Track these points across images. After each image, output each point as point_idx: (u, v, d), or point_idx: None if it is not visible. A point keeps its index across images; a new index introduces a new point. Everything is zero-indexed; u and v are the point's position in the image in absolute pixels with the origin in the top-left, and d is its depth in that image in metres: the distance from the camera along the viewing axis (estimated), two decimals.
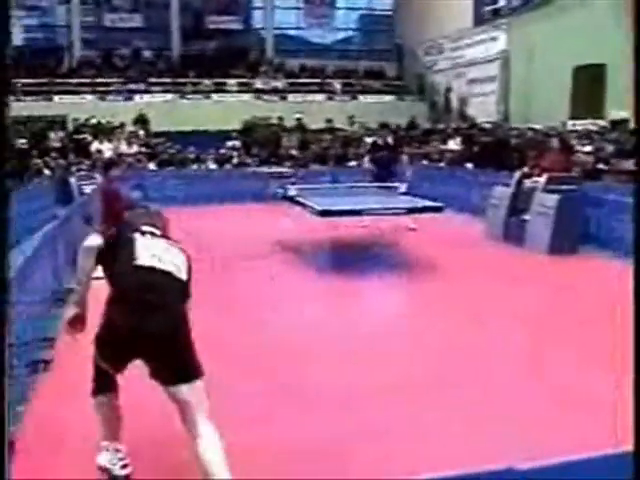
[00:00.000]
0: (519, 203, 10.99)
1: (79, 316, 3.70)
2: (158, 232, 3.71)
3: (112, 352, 3.46)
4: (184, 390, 3.35)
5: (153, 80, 26.09)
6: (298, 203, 9.86)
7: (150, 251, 3.52)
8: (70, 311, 3.79)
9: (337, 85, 27.67)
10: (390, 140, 13.64)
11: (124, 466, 3.60)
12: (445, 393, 4.81)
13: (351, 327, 6.51)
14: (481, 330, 6.31)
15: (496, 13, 23.15)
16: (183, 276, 3.55)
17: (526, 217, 10.61)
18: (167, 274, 3.48)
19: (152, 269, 3.46)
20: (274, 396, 4.72)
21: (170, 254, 3.58)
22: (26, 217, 12.93)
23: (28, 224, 12.63)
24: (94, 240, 3.58)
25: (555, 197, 10.07)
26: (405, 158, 14.47)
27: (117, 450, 3.63)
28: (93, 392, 3.65)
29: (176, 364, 3.38)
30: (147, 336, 3.33)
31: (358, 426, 4.26)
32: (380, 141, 13.33)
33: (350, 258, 9.57)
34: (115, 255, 3.52)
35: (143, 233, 3.63)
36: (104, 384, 3.62)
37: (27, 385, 4.87)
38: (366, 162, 12.88)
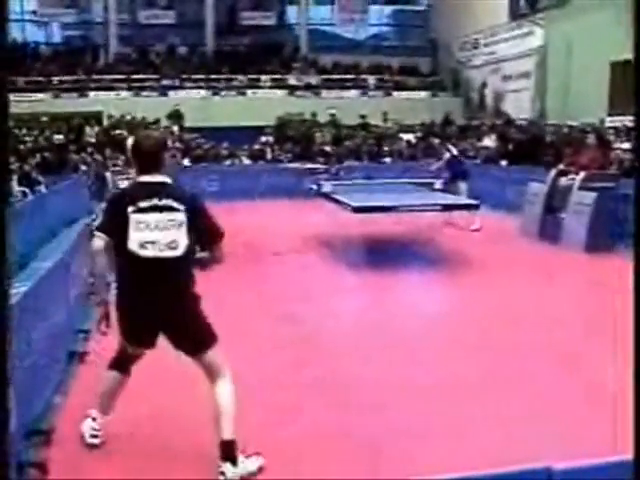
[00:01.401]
0: (555, 200, 10.86)
1: (104, 315, 3.83)
2: (151, 203, 3.61)
3: (129, 334, 3.80)
4: (203, 358, 3.72)
5: (187, 76, 26.24)
6: (332, 199, 9.85)
7: (141, 234, 3.57)
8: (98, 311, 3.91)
9: (371, 81, 27.55)
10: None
11: (94, 436, 3.94)
12: (481, 391, 4.77)
13: (387, 323, 6.48)
14: (518, 328, 6.24)
15: (532, 8, 22.85)
16: (177, 252, 3.59)
17: (562, 214, 10.48)
18: (156, 260, 3.58)
19: (140, 258, 3.57)
20: (307, 389, 4.72)
21: (162, 230, 3.59)
22: (63, 211, 13.12)
23: (65, 218, 12.82)
24: (97, 243, 3.68)
25: (592, 194, 9.93)
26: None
27: (94, 419, 3.96)
28: (110, 365, 3.98)
29: (190, 338, 3.69)
30: (153, 319, 3.67)
31: (392, 423, 4.24)
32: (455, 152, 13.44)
33: (386, 254, 9.54)
34: (116, 234, 3.63)
35: (139, 210, 3.61)
36: (121, 365, 3.95)
37: (63, 376, 4.94)
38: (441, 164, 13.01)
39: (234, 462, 3.57)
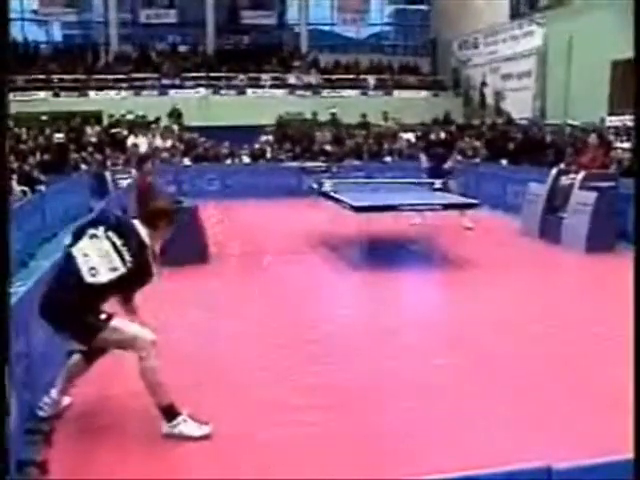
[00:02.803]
0: (556, 200, 10.84)
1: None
2: (116, 240, 4.01)
3: None
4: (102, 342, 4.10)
5: (188, 75, 26.24)
6: (332, 198, 9.84)
7: (85, 245, 4.02)
8: None
9: (371, 80, 27.54)
10: (443, 136, 13.55)
11: (41, 409, 4.22)
12: (484, 391, 4.77)
13: (389, 323, 6.48)
14: (519, 329, 6.23)
15: (533, 7, 22.85)
16: (90, 279, 3.92)
17: (563, 214, 10.47)
18: (76, 268, 3.95)
19: (72, 260, 4.00)
20: (308, 389, 4.72)
21: (99, 257, 3.96)
22: (63, 210, 13.12)
23: (65, 217, 12.82)
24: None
25: (593, 194, 9.91)
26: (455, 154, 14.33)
27: (50, 397, 4.27)
28: (82, 352, 4.30)
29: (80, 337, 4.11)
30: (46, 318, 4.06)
31: (392, 424, 4.24)
32: (434, 137, 13.25)
33: (386, 254, 9.52)
34: None
35: (104, 232, 4.05)
36: (90, 355, 4.30)
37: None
38: (422, 159, 12.78)
39: (170, 420, 3.98)
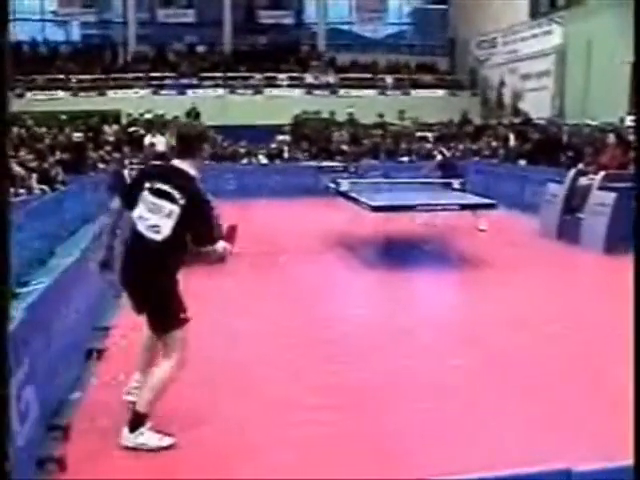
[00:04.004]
0: (574, 201, 10.77)
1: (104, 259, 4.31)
2: (159, 186, 3.92)
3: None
4: (163, 337, 4.01)
5: (205, 75, 26.30)
6: (350, 198, 9.84)
7: (140, 210, 3.94)
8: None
9: (389, 80, 27.45)
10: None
11: (130, 393, 4.28)
12: (500, 391, 4.75)
13: (402, 322, 6.47)
14: (537, 330, 6.19)
15: (553, 6, 22.68)
16: (157, 236, 3.87)
17: (581, 215, 10.39)
18: (142, 237, 3.90)
19: (135, 230, 3.95)
20: (317, 390, 4.73)
21: (153, 213, 3.89)
22: (82, 209, 13.22)
23: (84, 215, 12.92)
24: (113, 204, 4.21)
25: (612, 195, 9.84)
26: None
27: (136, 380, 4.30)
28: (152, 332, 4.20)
29: (155, 317, 4.00)
30: (131, 288, 4.04)
31: (410, 423, 4.23)
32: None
33: (404, 254, 9.50)
34: (130, 203, 4.04)
35: (148, 188, 3.95)
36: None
37: (82, 373, 4.97)
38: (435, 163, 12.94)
39: (133, 430, 3.86)
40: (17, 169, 13.43)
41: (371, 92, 26.81)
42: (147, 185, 3.94)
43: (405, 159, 19.84)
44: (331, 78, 27.19)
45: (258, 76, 26.45)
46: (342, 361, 5.26)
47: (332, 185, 11.20)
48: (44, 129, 19.29)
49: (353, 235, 10.27)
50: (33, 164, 14.57)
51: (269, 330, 6.12)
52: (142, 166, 5.46)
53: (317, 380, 4.90)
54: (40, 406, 3.68)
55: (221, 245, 4.04)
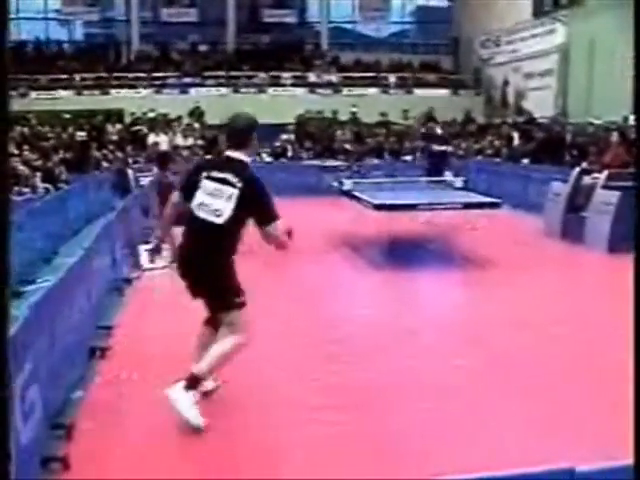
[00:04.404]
0: (578, 200, 10.75)
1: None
2: (217, 174, 4.20)
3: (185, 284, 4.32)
4: (225, 317, 4.27)
5: (208, 74, 26.30)
6: (353, 197, 9.84)
7: (200, 197, 4.18)
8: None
9: (392, 79, 27.43)
10: (439, 131, 13.59)
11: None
12: (504, 391, 4.75)
13: (406, 323, 6.47)
14: (541, 330, 6.17)
15: (556, 4, 22.64)
16: (219, 220, 4.10)
17: (585, 214, 10.38)
18: (204, 222, 4.13)
19: (194, 217, 4.17)
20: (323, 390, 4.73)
21: (214, 198, 4.13)
22: (86, 208, 13.23)
23: (87, 214, 12.94)
24: (173, 197, 4.47)
25: (616, 194, 9.81)
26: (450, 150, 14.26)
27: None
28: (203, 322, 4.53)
29: (216, 299, 4.25)
30: (190, 273, 4.23)
31: (414, 423, 4.23)
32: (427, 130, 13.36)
33: (408, 253, 9.49)
34: (188, 193, 4.29)
35: (207, 177, 4.22)
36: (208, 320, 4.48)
37: (85, 372, 4.98)
38: (418, 155, 12.87)
39: (187, 389, 4.02)
40: (21, 168, 13.47)
41: (374, 91, 26.79)
42: (205, 174, 4.21)
43: (408, 158, 19.82)
44: (334, 77, 27.17)
45: (261, 75, 26.45)
46: (346, 361, 5.26)
47: (335, 184, 11.20)
48: (47, 128, 19.34)
49: (357, 234, 10.27)
50: (37, 163, 14.62)
51: (273, 329, 6.11)
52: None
53: (321, 380, 4.90)
54: (44, 405, 3.68)
55: (281, 224, 4.26)
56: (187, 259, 4.25)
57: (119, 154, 18.41)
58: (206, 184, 4.18)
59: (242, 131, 4.39)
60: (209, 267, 4.17)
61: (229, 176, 4.14)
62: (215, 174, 4.19)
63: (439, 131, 13.68)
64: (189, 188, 4.28)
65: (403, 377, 4.99)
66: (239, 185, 4.11)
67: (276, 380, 4.90)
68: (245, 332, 4.23)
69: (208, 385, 4.43)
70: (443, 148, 12.67)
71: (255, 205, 4.15)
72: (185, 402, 4.01)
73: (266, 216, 4.17)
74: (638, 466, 2.35)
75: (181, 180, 4.44)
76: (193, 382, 4.06)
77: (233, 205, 4.09)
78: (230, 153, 4.31)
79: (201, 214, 4.15)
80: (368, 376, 4.97)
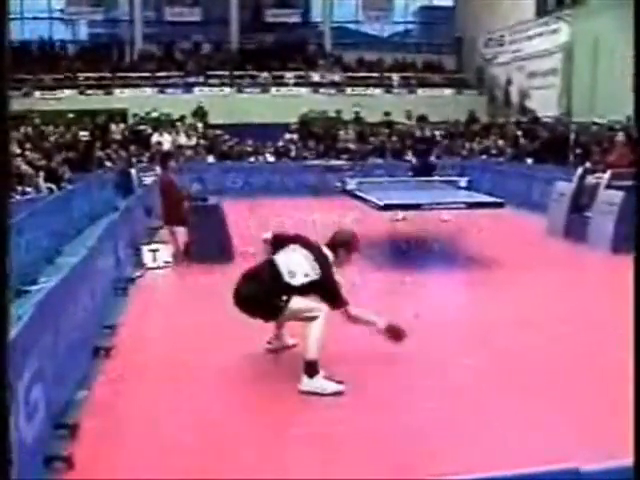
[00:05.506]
0: (582, 199, 10.73)
1: None
2: (296, 247, 4.97)
3: None
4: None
5: (212, 73, 26.31)
6: (356, 197, 9.82)
7: (284, 261, 4.87)
8: None
9: (395, 78, 27.42)
10: (429, 133, 13.60)
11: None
12: (509, 391, 4.74)
13: (410, 322, 6.45)
14: (546, 330, 6.16)
15: (559, 4, 22.62)
16: (291, 280, 4.79)
17: (589, 214, 10.36)
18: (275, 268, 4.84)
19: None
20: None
21: (295, 263, 4.85)
22: (89, 207, 13.24)
23: (91, 214, 12.95)
24: None
25: (619, 193, 9.79)
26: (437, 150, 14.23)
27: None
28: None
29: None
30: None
31: (419, 423, 4.23)
32: (419, 133, 13.37)
33: (409, 253, 9.47)
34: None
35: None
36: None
37: (88, 371, 4.98)
38: (409, 155, 12.89)
39: (311, 376, 4.59)
40: (24, 168, 13.49)
41: (377, 91, 26.81)
42: (297, 246, 5.02)
43: (411, 158, 19.79)
44: (337, 77, 27.19)
45: (265, 75, 26.48)
46: (348, 361, 5.25)
47: (338, 184, 11.19)
48: (51, 128, 19.36)
49: (361, 234, 10.22)
50: (40, 163, 14.63)
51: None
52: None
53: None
54: (47, 404, 3.69)
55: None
56: (245, 296, 4.93)
57: (122, 154, 18.45)
58: (295, 252, 4.95)
59: (338, 244, 5.12)
60: (261, 307, 4.92)
61: (314, 263, 4.87)
62: (305, 252, 4.94)
63: (428, 134, 13.64)
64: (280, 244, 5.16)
65: (407, 377, 4.98)
66: (318, 274, 4.84)
67: (282, 379, 4.90)
68: (313, 309, 4.74)
69: (290, 341, 5.41)
70: (431, 158, 12.73)
71: (322, 294, 4.88)
72: (317, 385, 4.57)
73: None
74: (638, 466, 2.35)
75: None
76: (311, 368, 4.59)
77: (304, 281, 4.81)
78: (324, 248, 5.05)
79: (280, 265, 4.86)
80: (371, 376, 4.97)
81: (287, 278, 4.76)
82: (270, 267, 4.86)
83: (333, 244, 5.09)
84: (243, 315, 4.90)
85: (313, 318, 4.69)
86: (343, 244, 5.13)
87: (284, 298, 4.73)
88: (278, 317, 4.94)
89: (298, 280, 4.77)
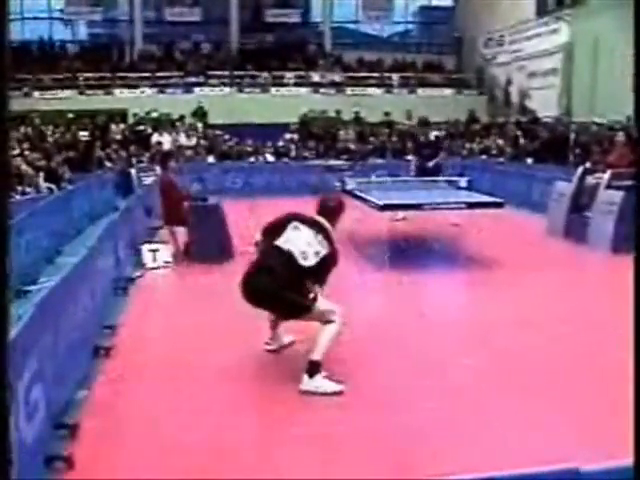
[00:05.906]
0: (582, 199, 10.73)
1: None
2: (297, 224, 4.87)
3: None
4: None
5: (212, 73, 26.30)
6: (356, 197, 9.82)
7: (287, 237, 4.78)
8: None
9: (395, 78, 27.41)
10: (432, 137, 13.66)
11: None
12: (509, 391, 4.74)
13: (410, 322, 6.46)
14: (546, 330, 6.16)
15: (559, 3, 22.62)
16: (305, 262, 4.69)
17: (589, 214, 10.36)
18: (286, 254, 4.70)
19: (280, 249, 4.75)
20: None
21: (303, 242, 4.75)
22: (89, 207, 13.24)
23: (91, 214, 12.95)
24: None
25: (619, 193, 9.79)
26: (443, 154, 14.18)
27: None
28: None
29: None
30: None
31: (419, 423, 4.23)
32: (423, 139, 13.45)
33: (409, 253, 9.47)
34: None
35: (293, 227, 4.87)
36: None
37: (89, 371, 4.98)
38: (410, 157, 12.95)
39: (311, 375, 4.57)
40: (24, 168, 13.49)
41: (377, 91, 26.79)
42: (298, 223, 4.93)
43: (411, 158, 19.79)
44: (337, 77, 27.17)
45: (265, 74, 26.46)
46: (350, 362, 5.25)
47: (338, 184, 11.18)
48: (51, 128, 19.36)
49: (358, 234, 10.24)
50: (40, 163, 14.63)
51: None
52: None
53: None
54: (47, 404, 3.69)
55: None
56: (255, 288, 4.79)
57: (122, 154, 18.44)
58: (301, 230, 4.87)
59: (334, 212, 5.21)
60: (278, 300, 4.80)
61: (321, 238, 4.87)
62: (308, 228, 4.89)
63: (432, 137, 13.68)
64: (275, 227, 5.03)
65: (407, 377, 4.99)
66: (328, 249, 4.83)
67: (282, 379, 4.90)
68: (333, 313, 4.71)
69: (286, 340, 5.41)
70: (432, 162, 12.79)
71: (328, 268, 4.91)
72: (317, 385, 4.57)
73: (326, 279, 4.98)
74: (638, 466, 2.35)
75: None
76: (313, 368, 4.59)
77: (317, 260, 4.76)
78: (322, 219, 5.02)
79: (290, 248, 4.75)
80: (372, 376, 4.97)
81: (301, 261, 4.68)
82: (279, 253, 4.73)
83: (324, 212, 5.07)
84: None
85: (330, 321, 4.69)
86: (334, 210, 5.15)
87: (311, 297, 4.66)
88: (303, 317, 4.80)
89: (311, 260, 4.70)
